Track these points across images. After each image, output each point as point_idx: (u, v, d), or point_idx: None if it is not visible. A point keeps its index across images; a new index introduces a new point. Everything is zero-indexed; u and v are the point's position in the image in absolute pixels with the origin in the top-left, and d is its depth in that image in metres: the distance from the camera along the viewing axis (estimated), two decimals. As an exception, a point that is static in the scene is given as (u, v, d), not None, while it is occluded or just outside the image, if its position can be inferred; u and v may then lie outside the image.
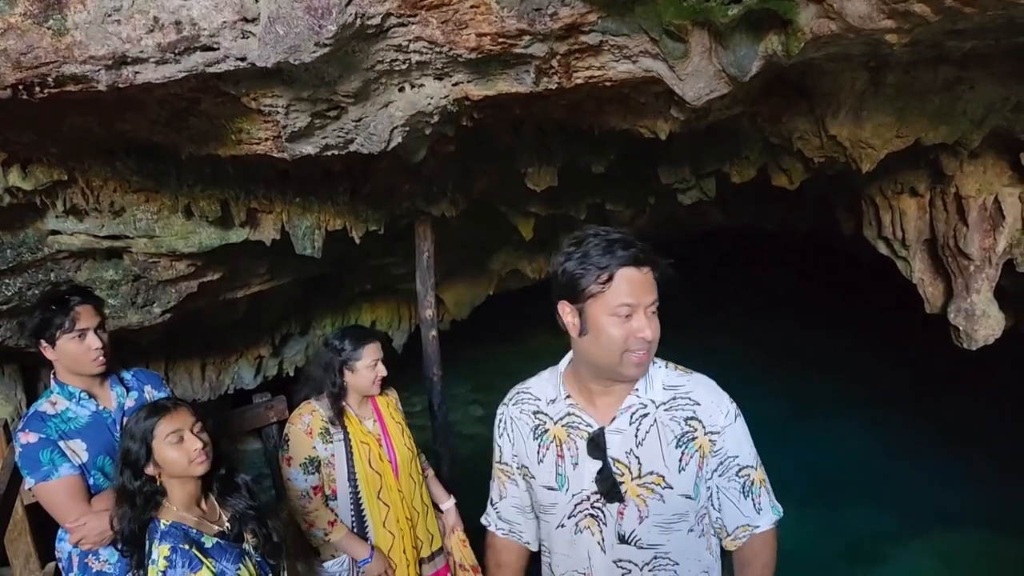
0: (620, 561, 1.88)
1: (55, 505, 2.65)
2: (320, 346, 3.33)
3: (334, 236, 4.57)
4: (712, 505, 1.92)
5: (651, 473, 1.83)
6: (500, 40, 2.41)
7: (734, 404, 1.90)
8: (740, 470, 1.88)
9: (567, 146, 4.12)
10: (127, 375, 3.04)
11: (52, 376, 2.83)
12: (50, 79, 2.18)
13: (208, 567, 2.12)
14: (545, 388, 2.00)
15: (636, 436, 1.84)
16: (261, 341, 7.08)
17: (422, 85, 2.71)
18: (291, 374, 7.47)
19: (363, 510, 3.24)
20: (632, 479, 1.84)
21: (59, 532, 2.86)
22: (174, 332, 5.46)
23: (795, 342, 10.46)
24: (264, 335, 7.06)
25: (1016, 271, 4.10)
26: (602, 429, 1.86)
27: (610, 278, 1.73)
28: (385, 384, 3.35)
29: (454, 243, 6.44)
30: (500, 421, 2.07)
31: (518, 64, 2.64)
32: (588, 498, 1.88)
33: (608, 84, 2.79)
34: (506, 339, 10.59)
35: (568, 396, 1.94)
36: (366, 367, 3.21)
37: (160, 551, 2.09)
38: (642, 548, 1.86)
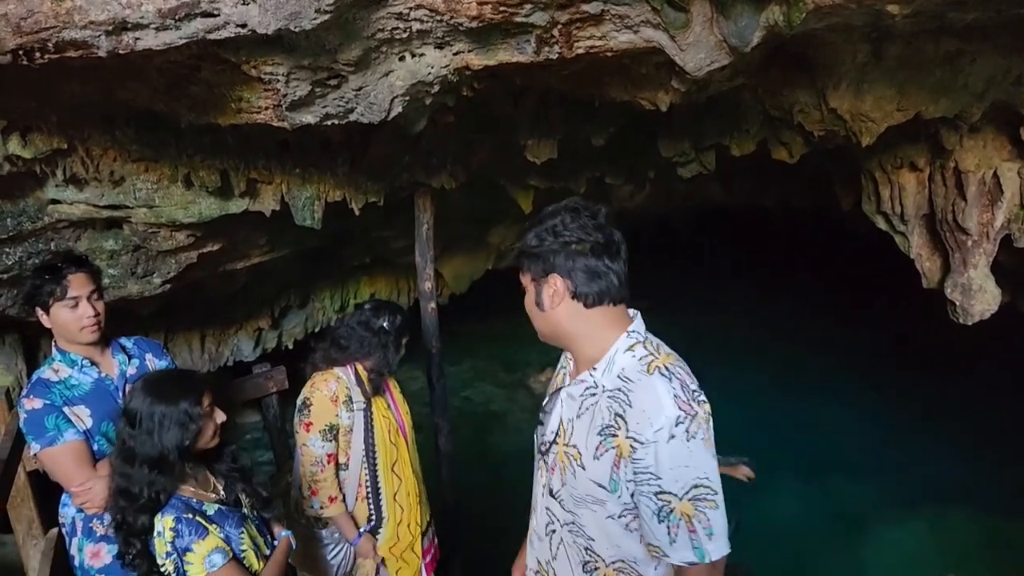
0: (549, 510, 2.02)
1: (61, 470, 2.68)
2: (375, 320, 3.31)
3: (333, 208, 4.56)
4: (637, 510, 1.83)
5: (574, 447, 1.89)
6: (501, 8, 2.41)
7: (681, 425, 1.69)
8: (659, 493, 1.72)
9: (567, 118, 4.12)
10: (128, 343, 3.07)
11: (53, 344, 2.85)
12: (50, 44, 2.17)
13: (214, 533, 2.15)
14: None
15: (578, 409, 1.89)
16: (261, 313, 7.09)
17: (423, 54, 2.70)
18: (290, 347, 7.50)
19: (378, 482, 3.27)
20: (563, 444, 1.93)
21: (63, 497, 2.90)
22: (174, 303, 5.47)
23: (788, 319, 10.52)
24: (264, 307, 7.07)
25: (1014, 246, 4.11)
26: (559, 390, 1.99)
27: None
28: None
29: (453, 217, 6.44)
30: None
31: (519, 33, 2.63)
32: (540, 440, 2.06)
33: (609, 54, 2.78)
34: (505, 314, 10.63)
35: (567, 355, 2.09)
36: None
37: (164, 523, 2.12)
38: (564, 509, 1.95)
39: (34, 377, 2.80)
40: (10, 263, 4.14)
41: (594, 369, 1.86)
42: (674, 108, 3.56)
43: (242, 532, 2.27)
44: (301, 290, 7.40)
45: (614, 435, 1.77)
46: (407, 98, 2.86)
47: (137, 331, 3.33)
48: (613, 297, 1.85)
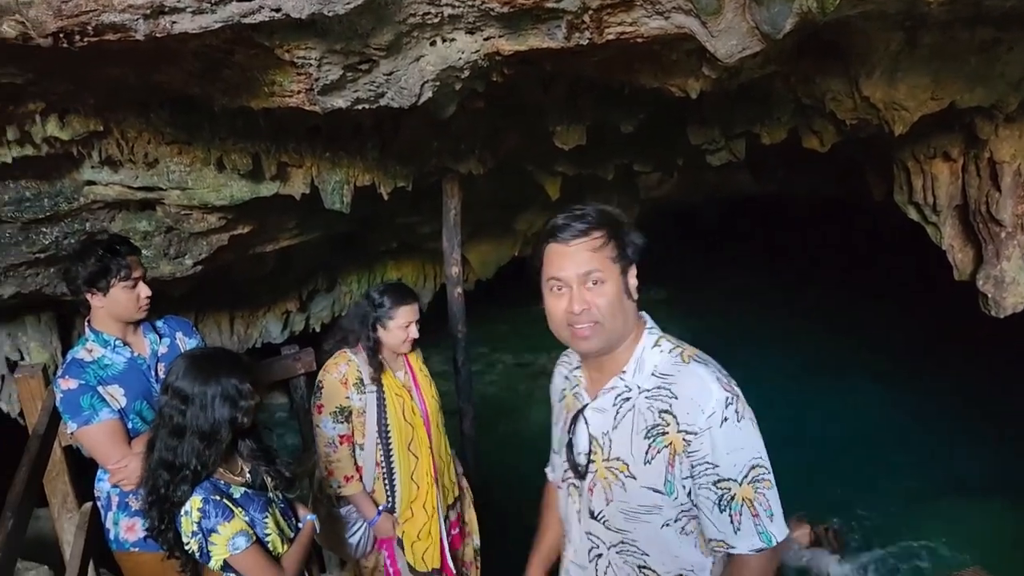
0: (591, 535, 1.90)
1: (97, 448, 2.74)
2: (361, 298, 3.37)
3: (362, 192, 4.60)
4: (696, 507, 1.76)
5: (617, 459, 1.80)
6: (533, -7, 2.41)
7: (731, 407, 1.67)
8: (718, 481, 1.67)
9: (596, 104, 4.11)
10: (159, 323, 3.12)
11: (87, 324, 2.90)
12: (90, 28, 2.21)
13: (239, 516, 2.19)
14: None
15: (614, 419, 1.81)
16: (289, 296, 7.18)
17: (453, 39, 2.72)
18: (317, 329, 7.58)
19: (392, 461, 3.31)
20: (602, 460, 1.83)
21: (98, 473, 2.95)
22: (204, 285, 5.56)
23: (818, 310, 10.40)
24: (292, 290, 7.15)
25: (1048, 238, 4.05)
26: (585, 406, 1.88)
27: (543, 255, 1.79)
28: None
29: (480, 202, 6.45)
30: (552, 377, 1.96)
31: (550, 19, 2.63)
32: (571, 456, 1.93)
33: (639, 40, 2.77)
34: (529, 301, 10.63)
35: (578, 366, 1.97)
36: (398, 327, 3.24)
37: (192, 503, 2.15)
38: (610, 529, 1.85)
39: (68, 357, 2.85)
40: (47, 243, 4.23)
41: (623, 372, 1.80)
42: (704, 95, 3.54)
43: (266, 516, 2.31)
44: (328, 274, 7.48)
45: (664, 433, 1.71)
46: (437, 83, 2.88)
47: (168, 312, 3.38)
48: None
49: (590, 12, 2.57)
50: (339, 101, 2.90)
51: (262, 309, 7.03)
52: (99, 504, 3.02)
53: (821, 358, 9.10)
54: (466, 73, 2.88)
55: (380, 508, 3.32)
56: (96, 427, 2.69)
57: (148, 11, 2.16)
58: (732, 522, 1.69)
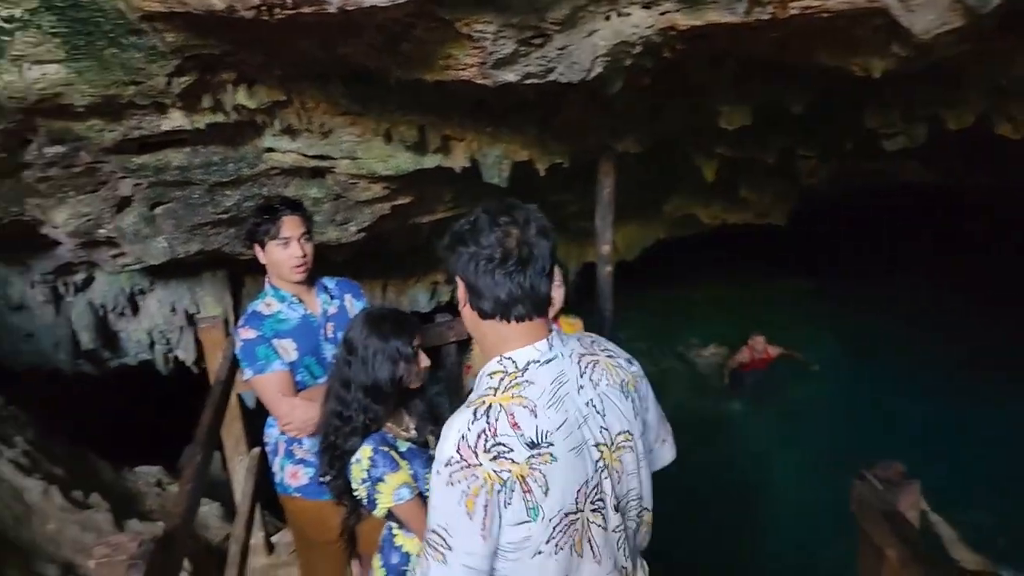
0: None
1: (268, 395, 2.91)
2: None
3: (518, 168, 4.65)
4: None
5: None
6: (717, -35, 2.35)
7: (448, 468, 1.50)
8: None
9: (765, 84, 3.95)
10: (331, 284, 3.26)
11: (267, 280, 3.08)
12: (288, 1, 2.35)
13: (404, 468, 2.28)
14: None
15: None
16: (437, 268, 7.39)
17: (629, 14, 2.69)
18: (462, 302, 7.77)
19: None
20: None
21: (268, 419, 3.14)
22: (363, 253, 5.81)
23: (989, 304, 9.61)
24: (440, 262, 7.33)
25: None
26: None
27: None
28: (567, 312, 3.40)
29: (630, 183, 6.38)
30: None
31: (731, -8, 2.56)
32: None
33: (825, 15, 2.65)
34: (672, 283, 10.47)
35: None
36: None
37: (363, 452, 2.26)
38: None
39: (248, 310, 3.03)
40: (229, 204, 4.55)
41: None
42: (887, 75, 3.32)
43: (427, 472, 2.38)
44: (477, 249, 7.62)
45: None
46: (608, 58, 2.86)
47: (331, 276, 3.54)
48: (504, 314, 1.62)
49: (775, -15, 2.47)
50: (509, 75, 2.93)
51: (412, 279, 7.28)
52: (267, 449, 3.21)
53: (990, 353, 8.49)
54: (638, 48, 2.84)
55: None
56: (268, 376, 2.85)
57: (342, -15, 2.26)
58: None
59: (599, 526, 1.59)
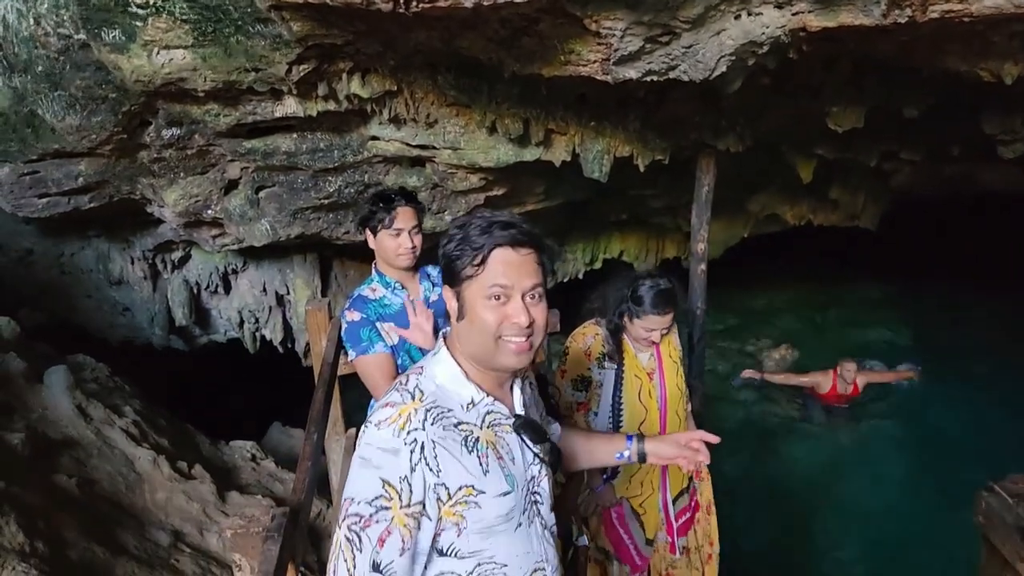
0: (547, 528, 1.87)
1: (369, 376, 2.98)
2: (627, 278, 3.31)
3: (616, 163, 4.63)
4: None
5: None
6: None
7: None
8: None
9: (881, 86, 3.85)
10: (433, 272, 3.32)
11: (374, 266, 3.16)
12: (428, -5, 2.39)
13: None
14: (452, 395, 1.71)
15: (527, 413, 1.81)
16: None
17: (760, 13, 2.65)
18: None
19: None
20: None
21: (371, 402, 3.23)
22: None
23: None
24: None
25: None
26: (520, 415, 1.78)
27: (484, 259, 1.61)
28: None
29: (719, 180, 6.30)
30: (414, 451, 1.59)
31: (872, -6, 2.50)
32: (529, 485, 1.78)
33: (966, 20, 2.56)
34: (752, 283, 10.31)
35: (488, 394, 1.75)
36: (645, 328, 3.15)
37: None
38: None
39: (355, 293, 3.11)
40: (331, 190, 4.66)
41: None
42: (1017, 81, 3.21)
43: None
44: (557, 240, 7.63)
45: None
46: (733, 57, 2.82)
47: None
48: None
49: (920, -12, 2.41)
50: (631, 72, 2.92)
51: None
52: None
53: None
54: (765, 48, 2.80)
55: (604, 477, 3.37)
56: (371, 357, 2.92)
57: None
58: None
59: None
